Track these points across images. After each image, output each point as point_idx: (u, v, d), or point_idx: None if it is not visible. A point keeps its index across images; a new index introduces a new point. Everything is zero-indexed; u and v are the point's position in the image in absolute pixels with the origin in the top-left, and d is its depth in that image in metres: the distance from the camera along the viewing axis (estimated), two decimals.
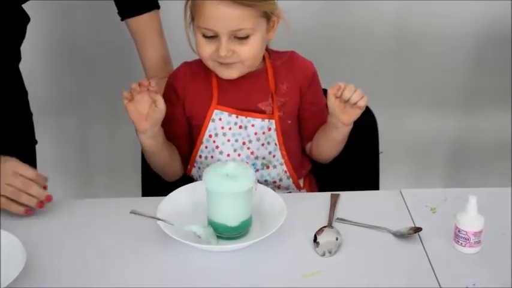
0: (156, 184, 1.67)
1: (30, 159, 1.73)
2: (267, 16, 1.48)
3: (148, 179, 1.75)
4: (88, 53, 2.37)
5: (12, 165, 1.42)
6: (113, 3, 1.70)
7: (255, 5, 1.44)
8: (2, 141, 1.62)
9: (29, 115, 1.76)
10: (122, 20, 1.70)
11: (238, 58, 1.48)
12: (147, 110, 1.48)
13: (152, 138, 1.53)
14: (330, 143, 1.61)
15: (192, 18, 1.50)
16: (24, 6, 1.64)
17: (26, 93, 1.74)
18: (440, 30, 2.37)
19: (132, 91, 1.47)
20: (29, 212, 1.42)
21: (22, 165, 1.43)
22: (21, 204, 1.41)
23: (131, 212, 1.37)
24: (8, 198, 1.40)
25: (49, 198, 1.44)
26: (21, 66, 1.71)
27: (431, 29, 2.36)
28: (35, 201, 1.42)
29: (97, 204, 1.52)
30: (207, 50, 1.48)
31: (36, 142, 1.78)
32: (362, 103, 1.46)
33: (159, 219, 1.35)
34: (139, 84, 1.46)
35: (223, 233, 1.36)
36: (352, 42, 2.38)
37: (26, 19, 1.65)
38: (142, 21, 1.68)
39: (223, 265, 1.30)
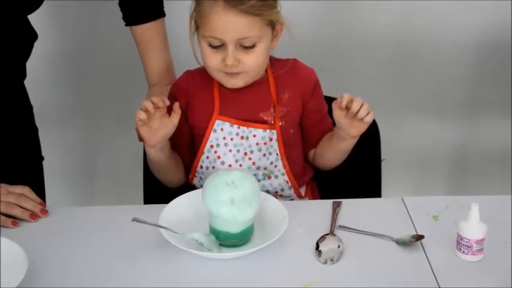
0: (158, 191, 1.67)
1: (37, 176, 1.74)
2: (272, 24, 1.49)
3: (150, 186, 1.75)
4: (89, 60, 2.37)
5: (3, 186, 1.45)
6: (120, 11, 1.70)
7: (261, 14, 1.44)
8: (9, 159, 1.62)
9: (34, 130, 1.74)
10: (126, 25, 1.70)
11: (244, 68, 1.48)
12: (158, 125, 1.48)
13: (160, 151, 1.53)
14: (335, 153, 1.61)
15: (197, 28, 1.50)
16: (32, 23, 1.63)
17: (31, 108, 1.72)
18: (441, 40, 2.37)
19: (143, 109, 1.46)
20: (15, 223, 1.42)
21: (12, 186, 1.46)
22: (11, 217, 1.43)
23: (133, 220, 1.37)
24: (4, 214, 1.42)
25: (44, 212, 1.46)
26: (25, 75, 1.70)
27: (432, 38, 2.37)
28: (28, 213, 1.44)
29: (98, 211, 1.52)
30: (213, 61, 1.48)
31: (43, 158, 1.76)
32: (368, 119, 1.46)
33: (161, 226, 1.35)
34: (154, 104, 1.46)
35: (225, 241, 1.36)
36: (355, 51, 2.39)
37: (33, 36, 1.64)
38: (148, 29, 1.68)
39: (225, 273, 1.30)
